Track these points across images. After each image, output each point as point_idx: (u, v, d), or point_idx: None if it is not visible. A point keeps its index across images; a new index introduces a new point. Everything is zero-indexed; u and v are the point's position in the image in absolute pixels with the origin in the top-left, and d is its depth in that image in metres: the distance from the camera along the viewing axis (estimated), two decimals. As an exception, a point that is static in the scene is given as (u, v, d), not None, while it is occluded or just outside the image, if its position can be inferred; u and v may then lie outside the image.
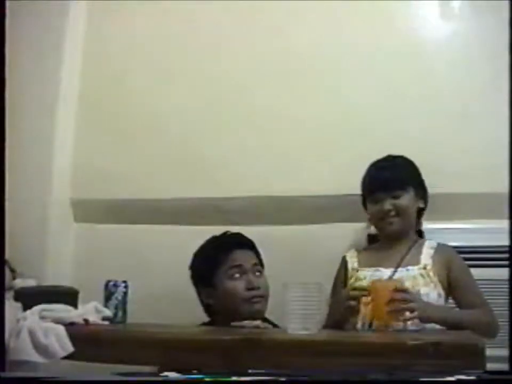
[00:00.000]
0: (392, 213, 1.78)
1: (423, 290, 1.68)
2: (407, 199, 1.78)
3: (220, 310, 1.80)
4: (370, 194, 1.82)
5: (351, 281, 1.79)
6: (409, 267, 1.73)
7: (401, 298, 1.54)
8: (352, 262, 1.85)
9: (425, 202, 1.84)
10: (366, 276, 1.76)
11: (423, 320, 1.58)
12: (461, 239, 1.83)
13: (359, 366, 1.23)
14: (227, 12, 2.27)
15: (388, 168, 1.82)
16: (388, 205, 1.77)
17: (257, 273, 1.80)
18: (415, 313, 1.55)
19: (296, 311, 1.42)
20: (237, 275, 1.77)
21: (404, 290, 1.57)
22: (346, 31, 2.19)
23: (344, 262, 1.86)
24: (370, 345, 1.30)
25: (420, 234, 1.89)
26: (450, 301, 1.76)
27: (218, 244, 1.84)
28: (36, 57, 2.25)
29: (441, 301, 1.70)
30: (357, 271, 1.81)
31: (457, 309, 1.73)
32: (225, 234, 1.88)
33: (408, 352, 1.23)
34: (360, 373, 1.22)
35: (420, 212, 1.85)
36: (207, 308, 1.86)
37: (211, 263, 1.81)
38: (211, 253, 1.83)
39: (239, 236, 1.87)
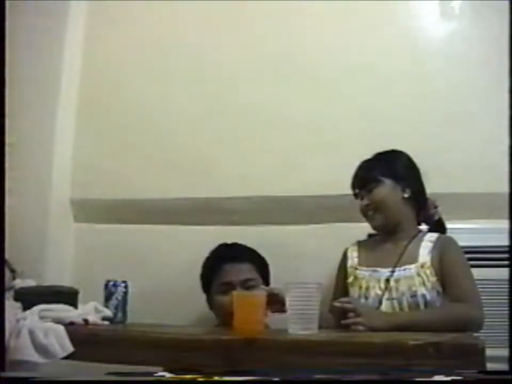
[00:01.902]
0: (370, 208, 1.77)
1: (420, 291, 1.65)
2: (382, 191, 1.76)
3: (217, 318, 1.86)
4: (353, 193, 1.83)
5: (350, 280, 1.77)
6: (406, 266, 1.69)
7: None
8: (353, 258, 1.82)
9: (415, 192, 1.78)
10: (364, 276, 1.75)
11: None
12: (461, 239, 1.82)
13: (359, 366, 1.23)
14: (227, 13, 2.27)
15: (364, 164, 1.82)
16: (365, 200, 1.78)
17: (249, 288, 1.81)
18: None
19: (296, 311, 1.42)
20: (225, 290, 1.80)
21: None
22: (345, 31, 2.19)
23: (345, 259, 1.85)
24: (370, 345, 1.30)
25: (442, 228, 1.83)
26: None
27: (214, 257, 1.90)
28: (36, 57, 2.25)
29: (442, 300, 1.66)
30: (356, 269, 1.78)
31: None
32: (222, 246, 1.92)
33: (408, 352, 1.23)
34: (360, 373, 1.22)
35: (417, 203, 1.80)
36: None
37: (207, 275, 1.89)
38: (208, 265, 1.91)
39: (236, 248, 1.91)
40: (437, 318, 1.58)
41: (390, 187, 1.77)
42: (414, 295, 1.65)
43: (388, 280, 1.69)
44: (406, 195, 1.77)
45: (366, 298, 1.70)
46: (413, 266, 1.69)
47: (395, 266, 1.71)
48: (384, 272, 1.71)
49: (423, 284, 1.66)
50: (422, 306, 1.65)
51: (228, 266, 1.85)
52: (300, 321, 1.41)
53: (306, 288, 1.44)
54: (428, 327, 1.48)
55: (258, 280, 1.85)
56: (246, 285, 1.82)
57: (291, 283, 1.45)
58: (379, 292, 1.69)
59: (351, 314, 1.57)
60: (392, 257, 1.73)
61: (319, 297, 1.44)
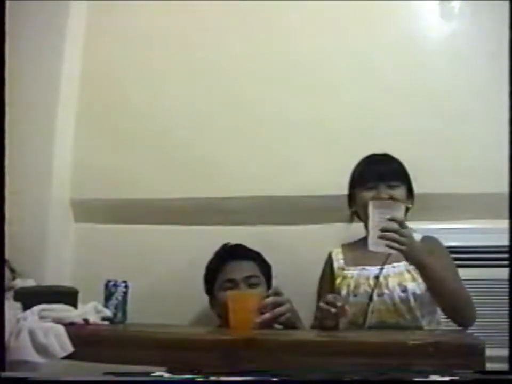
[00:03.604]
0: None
1: (410, 286, 1.67)
2: (402, 192, 1.77)
3: (221, 318, 1.83)
4: (364, 183, 1.78)
5: (338, 281, 1.78)
6: (395, 263, 1.72)
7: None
8: (338, 260, 1.84)
9: (412, 204, 1.81)
10: (353, 275, 1.76)
11: None
12: (461, 239, 1.82)
13: (359, 366, 1.23)
14: (227, 12, 2.27)
15: (385, 160, 1.82)
16: (384, 193, 1.74)
17: (252, 286, 1.82)
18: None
19: (378, 228, 1.47)
20: (228, 287, 1.80)
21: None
22: (345, 30, 2.19)
23: (330, 261, 1.86)
24: (371, 345, 1.30)
25: None
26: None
27: (218, 256, 1.91)
28: (36, 57, 2.25)
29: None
30: (343, 269, 1.80)
31: None
32: (225, 246, 1.92)
33: (408, 352, 1.23)
34: (359, 373, 1.22)
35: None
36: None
37: (210, 274, 1.89)
38: (212, 264, 1.90)
39: (238, 247, 1.91)
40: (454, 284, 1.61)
41: (405, 192, 1.79)
42: (404, 290, 1.67)
43: (377, 277, 1.71)
44: (409, 205, 1.79)
45: (355, 295, 1.72)
46: (402, 263, 1.70)
47: (384, 264, 1.73)
48: (373, 269, 1.74)
49: (413, 279, 1.68)
50: (412, 301, 1.67)
51: (231, 264, 1.85)
52: (381, 239, 1.45)
53: (391, 207, 1.51)
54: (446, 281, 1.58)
55: (261, 278, 1.85)
56: (249, 282, 1.82)
57: (376, 200, 1.52)
58: (368, 289, 1.71)
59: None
60: (380, 256, 1.73)
61: (403, 216, 1.51)
